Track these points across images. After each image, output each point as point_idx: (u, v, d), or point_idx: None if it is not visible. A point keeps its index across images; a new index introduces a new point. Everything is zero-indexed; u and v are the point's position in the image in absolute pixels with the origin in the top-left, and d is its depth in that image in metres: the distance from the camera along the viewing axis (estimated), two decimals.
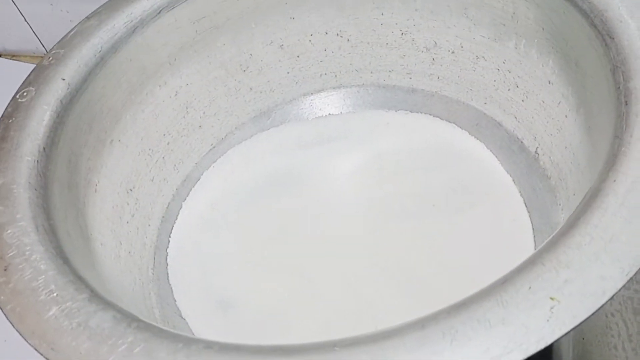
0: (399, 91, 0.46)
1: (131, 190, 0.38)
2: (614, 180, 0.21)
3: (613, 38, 0.26)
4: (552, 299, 0.18)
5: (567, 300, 0.18)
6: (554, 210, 0.37)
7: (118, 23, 0.35)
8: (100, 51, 0.34)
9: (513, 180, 0.40)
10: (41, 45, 0.66)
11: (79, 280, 0.23)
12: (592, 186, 0.22)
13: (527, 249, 0.37)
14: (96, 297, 0.23)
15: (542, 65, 0.35)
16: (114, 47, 0.35)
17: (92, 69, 0.34)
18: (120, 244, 0.35)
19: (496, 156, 0.42)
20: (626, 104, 0.24)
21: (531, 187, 0.39)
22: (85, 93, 0.33)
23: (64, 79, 0.32)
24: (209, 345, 0.20)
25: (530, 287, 0.19)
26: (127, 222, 0.37)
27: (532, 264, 0.19)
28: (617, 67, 0.25)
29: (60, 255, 0.24)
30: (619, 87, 0.25)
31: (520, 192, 0.40)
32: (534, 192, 0.39)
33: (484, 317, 0.19)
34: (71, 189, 0.31)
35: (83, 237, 0.30)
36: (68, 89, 0.32)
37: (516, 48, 0.36)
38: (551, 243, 0.20)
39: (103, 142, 0.35)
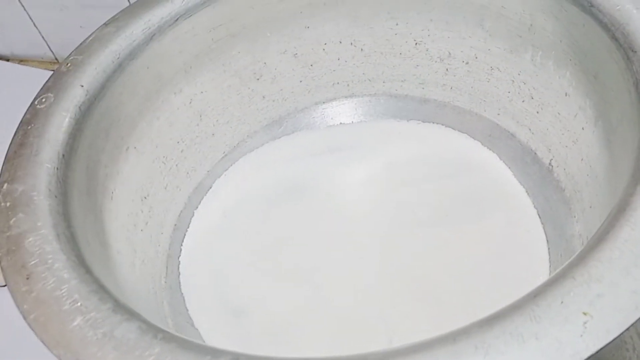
0: (411, 101, 0.46)
1: (145, 197, 0.38)
2: None
3: (635, 51, 0.27)
4: (584, 313, 0.18)
5: (599, 314, 0.18)
6: (568, 222, 0.37)
7: (136, 30, 0.35)
8: (118, 58, 0.34)
9: (526, 191, 0.40)
10: (49, 51, 0.66)
11: (102, 289, 0.23)
12: (618, 200, 0.22)
13: (541, 261, 0.37)
14: (120, 307, 0.22)
15: (559, 77, 0.35)
16: (132, 54, 0.35)
17: (110, 75, 0.34)
18: (135, 252, 0.35)
19: (509, 167, 0.42)
20: None
21: (545, 199, 0.39)
22: (103, 100, 0.33)
23: (82, 86, 0.32)
24: (236, 357, 0.20)
25: (562, 302, 0.19)
26: (142, 230, 0.37)
27: (562, 278, 0.19)
28: (639, 81, 0.25)
29: (82, 264, 0.24)
30: None
31: (533, 203, 0.40)
32: (548, 203, 0.39)
33: (516, 331, 0.18)
34: (89, 196, 0.31)
35: (101, 245, 0.30)
36: (86, 95, 0.32)
37: (532, 60, 0.36)
38: (580, 257, 0.20)
39: (120, 149, 0.35)
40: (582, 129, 0.34)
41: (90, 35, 0.35)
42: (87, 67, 0.33)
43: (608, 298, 0.18)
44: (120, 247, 0.33)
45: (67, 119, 0.30)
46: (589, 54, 0.31)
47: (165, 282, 0.39)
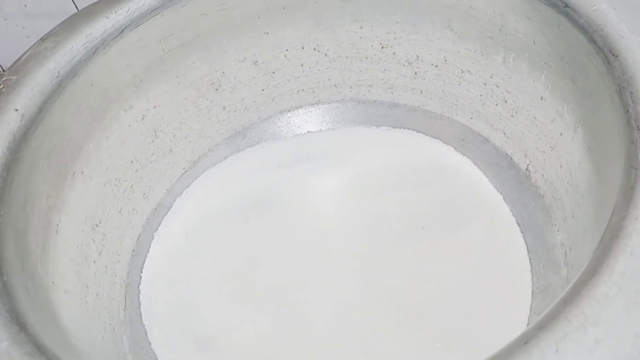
0: (380, 106, 0.44)
1: (97, 225, 0.35)
2: (636, 219, 0.19)
3: (616, 55, 0.25)
4: None
5: None
6: (549, 230, 0.35)
7: (77, 44, 0.32)
8: (57, 76, 0.31)
9: (504, 198, 0.39)
10: None
11: (38, 350, 0.20)
12: (609, 224, 0.20)
13: (523, 272, 0.35)
14: None
15: (534, 81, 0.33)
16: (73, 71, 0.32)
17: (49, 96, 0.31)
18: (87, 287, 0.32)
19: (484, 173, 0.40)
20: (639, 130, 0.22)
21: (523, 206, 0.38)
22: (42, 124, 0.30)
23: (16, 110, 0.29)
24: None
25: (557, 350, 0.16)
26: (94, 262, 0.34)
27: (555, 319, 0.17)
28: (623, 88, 0.24)
29: (17, 321, 0.21)
30: (627, 110, 0.23)
31: (512, 210, 0.38)
32: (527, 210, 0.37)
33: None
34: (28, 234, 0.28)
35: (43, 288, 0.27)
36: (22, 120, 0.29)
37: (504, 62, 0.35)
38: (573, 292, 0.18)
39: (64, 177, 0.32)
40: (561, 134, 0.32)
41: (25, 53, 0.32)
42: (22, 89, 0.30)
43: (609, 344, 0.16)
44: (69, 286, 0.30)
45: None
46: (566, 57, 0.29)
47: (125, 314, 0.36)
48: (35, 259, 0.27)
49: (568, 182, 0.32)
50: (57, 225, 0.31)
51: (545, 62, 0.31)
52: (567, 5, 0.28)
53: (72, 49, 0.32)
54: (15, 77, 0.30)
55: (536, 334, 0.17)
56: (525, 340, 0.17)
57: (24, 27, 0.57)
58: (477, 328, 0.34)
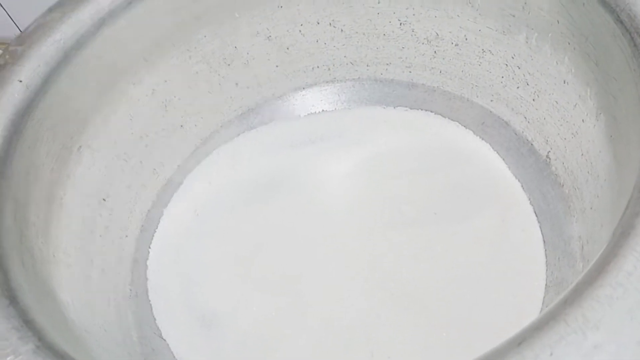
0: (397, 86, 0.42)
1: (104, 200, 0.34)
2: None
3: None
4: None
5: None
6: (567, 221, 0.34)
7: (83, 15, 0.31)
8: (63, 48, 0.31)
9: (522, 185, 0.37)
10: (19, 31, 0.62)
11: (26, 325, 0.20)
12: (621, 221, 0.18)
13: (538, 264, 0.34)
14: (44, 348, 0.19)
15: (557, 63, 0.31)
16: (80, 43, 0.31)
17: (55, 68, 0.30)
18: (92, 262, 0.32)
19: (503, 159, 0.38)
20: None
21: (541, 194, 0.36)
22: (47, 96, 0.30)
23: (21, 81, 0.29)
24: None
25: (551, 354, 0.15)
26: (100, 236, 0.34)
27: (553, 320, 0.16)
28: None
29: (7, 294, 0.21)
30: None
31: (529, 199, 0.36)
32: (545, 200, 0.36)
33: None
34: (29, 206, 0.27)
35: (42, 262, 0.27)
36: (26, 91, 0.29)
37: (527, 42, 0.33)
38: (575, 292, 0.17)
39: (69, 150, 0.32)
40: (583, 121, 0.30)
41: (31, 24, 0.31)
42: (27, 60, 0.29)
43: (608, 350, 0.15)
44: (71, 260, 0.30)
45: (1, 121, 0.27)
46: (590, 38, 0.27)
47: (131, 289, 0.36)
48: (35, 232, 0.27)
49: (588, 172, 0.30)
50: (62, 198, 0.30)
51: (569, 43, 0.29)
52: None
53: (79, 20, 0.31)
54: (21, 47, 0.30)
55: (531, 334, 0.16)
56: (519, 341, 0.16)
57: None
58: (486, 320, 0.33)
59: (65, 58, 0.31)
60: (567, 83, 0.31)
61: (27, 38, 0.31)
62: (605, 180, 0.27)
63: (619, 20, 0.24)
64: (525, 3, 0.31)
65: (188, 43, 0.37)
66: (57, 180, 0.30)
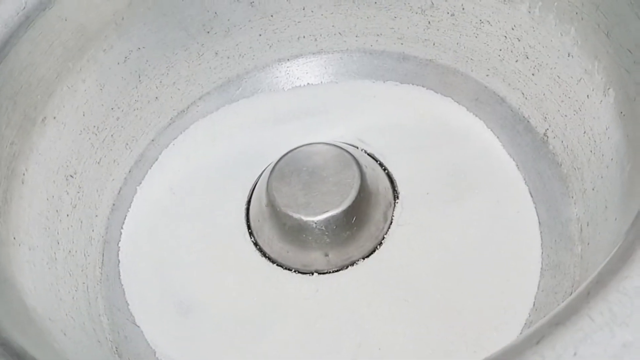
0: (388, 58, 0.40)
1: (72, 176, 0.32)
2: None
3: None
4: None
5: None
6: (564, 203, 0.32)
7: None
8: (24, 8, 0.28)
9: (517, 165, 0.35)
10: None
11: None
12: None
13: (533, 246, 0.33)
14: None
15: (562, 34, 0.29)
16: (43, 3, 0.28)
17: (15, 30, 0.27)
18: (58, 243, 0.30)
19: (498, 137, 0.37)
20: None
21: (538, 174, 0.34)
22: (6, 61, 0.27)
23: None
24: None
25: (575, 354, 0.14)
26: (67, 215, 0.31)
27: (575, 315, 0.14)
28: None
29: None
30: None
31: (525, 179, 0.35)
32: (541, 180, 0.34)
33: None
34: None
35: (0, 244, 0.24)
36: None
37: (530, 12, 0.31)
38: (599, 283, 0.15)
39: (33, 121, 0.29)
40: (587, 96, 0.28)
41: None
42: None
43: (638, 350, 0.14)
44: (34, 241, 0.27)
45: None
46: (602, 6, 0.25)
47: (102, 272, 0.33)
48: None
49: (591, 151, 0.28)
50: (23, 174, 0.28)
51: (577, 13, 0.27)
52: None
53: None
54: None
55: (551, 331, 0.14)
56: (537, 339, 0.14)
57: None
58: (479, 305, 0.31)
59: (26, 20, 0.28)
60: (572, 56, 0.29)
61: None
62: (612, 160, 0.26)
63: None
64: None
65: (164, 7, 0.34)
66: (19, 154, 0.28)
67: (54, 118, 0.30)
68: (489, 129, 0.37)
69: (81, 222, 0.32)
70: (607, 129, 0.26)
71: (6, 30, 0.27)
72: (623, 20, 0.24)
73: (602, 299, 0.15)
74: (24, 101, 0.28)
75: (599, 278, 0.15)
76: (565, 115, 0.31)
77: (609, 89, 0.26)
